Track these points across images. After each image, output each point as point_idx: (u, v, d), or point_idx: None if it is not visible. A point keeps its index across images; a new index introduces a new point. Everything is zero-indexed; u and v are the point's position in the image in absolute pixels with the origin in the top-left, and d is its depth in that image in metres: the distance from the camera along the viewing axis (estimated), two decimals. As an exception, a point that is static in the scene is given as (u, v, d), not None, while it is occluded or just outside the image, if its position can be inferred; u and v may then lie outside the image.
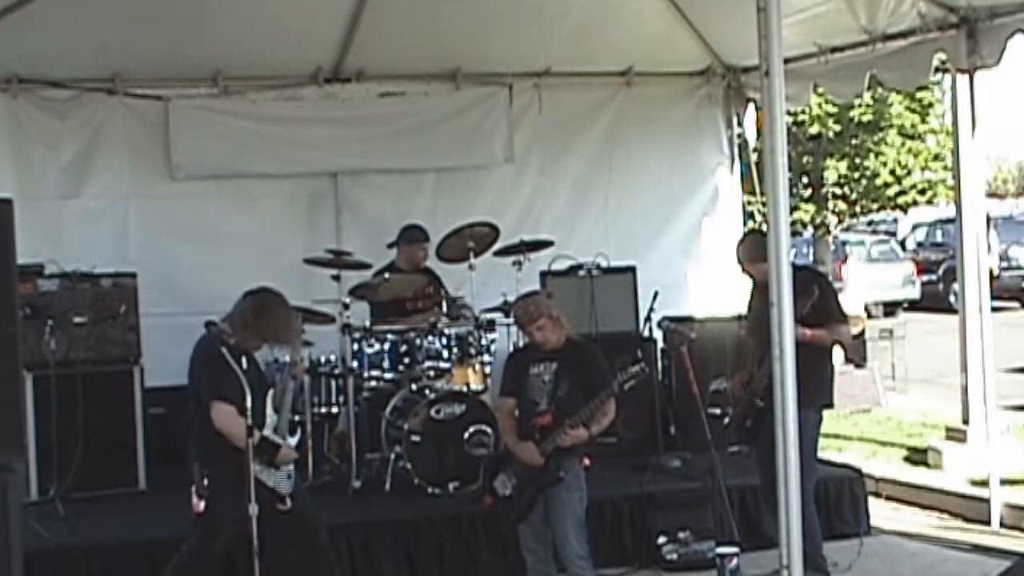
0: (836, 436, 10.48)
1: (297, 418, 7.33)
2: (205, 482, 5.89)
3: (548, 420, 6.16)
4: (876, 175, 23.36)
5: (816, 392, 6.66)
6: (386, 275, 8.56)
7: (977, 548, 7.75)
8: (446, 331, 8.21)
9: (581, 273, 9.07)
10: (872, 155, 23.29)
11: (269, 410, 6.02)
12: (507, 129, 10.09)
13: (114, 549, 6.87)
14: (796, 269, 7.12)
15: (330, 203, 9.88)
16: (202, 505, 5.92)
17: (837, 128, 22.81)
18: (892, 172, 23.37)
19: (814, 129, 22.49)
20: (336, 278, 8.61)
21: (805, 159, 23.28)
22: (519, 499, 6.26)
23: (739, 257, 6.99)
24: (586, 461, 6.29)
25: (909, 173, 23.70)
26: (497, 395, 6.72)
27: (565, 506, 6.17)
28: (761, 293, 6.32)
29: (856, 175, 23.70)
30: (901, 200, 24.47)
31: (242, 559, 6.10)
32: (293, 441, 6.14)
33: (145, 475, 8.18)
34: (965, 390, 8.86)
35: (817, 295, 6.46)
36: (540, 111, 10.15)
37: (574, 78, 10.16)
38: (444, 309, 8.44)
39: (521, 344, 7.47)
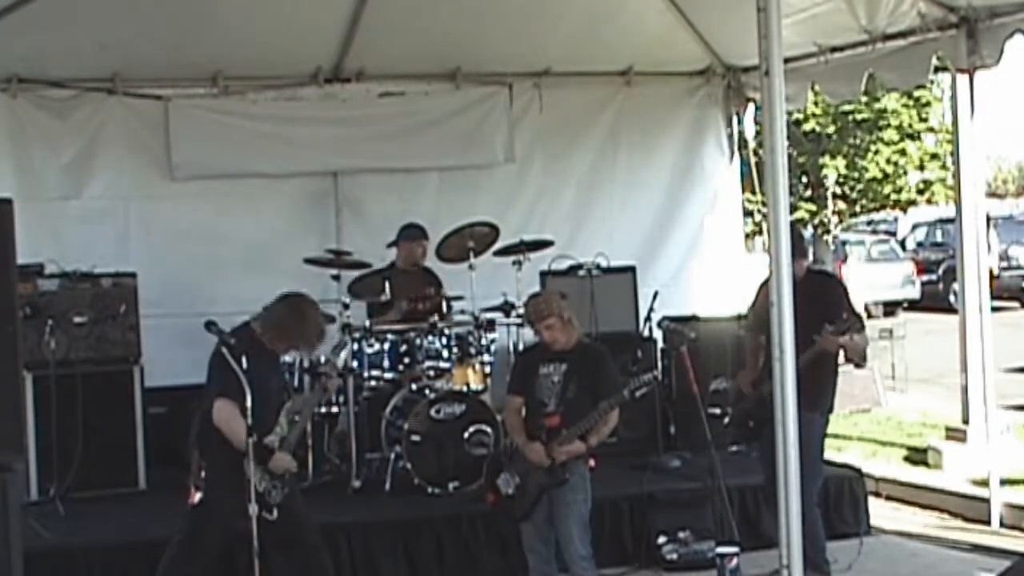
0: (836, 436, 10.46)
1: (297, 418, 7.32)
2: (203, 474, 5.90)
3: (556, 422, 6.16)
4: (867, 172, 23.43)
5: (823, 394, 6.68)
6: (385, 275, 8.57)
7: (977, 548, 7.75)
8: (446, 331, 8.22)
9: (581, 273, 9.08)
10: (868, 154, 23.36)
11: (282, 419, 6.02)
12: (507, 129, 10.09)
13: (114, 549, 6.86)
14: (816, 274, 7.13)
15: (330, 203, 9.87)
16: (198, 497, 5.92)
17: (833, 127, 22.89)
18: (883, 172, 23.43)
19: (809, 125, 22.55)
20: (336, 278, 8.62)
21: (803, 158, 23.35)
22: (522, 498, 6.27)
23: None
24: (591, 462, 6.30)
25: (904, 174, 23.76)
26: (498, 395, 6.72)
27: (570, 507, 6.17)
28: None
29: (855, 174, 23.77)
30: (896, 199, 24.51)
31: (242, 559, 6.11)
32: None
33: (145, 475, 8.18)
34: (965, 390, 8.86)
35: (851, 321, 6.49)
36: (540, 111, 10.14)
37: (574, 78, 10.16)
38: (445, 311, 8.44)
39: (526, 343, 7.48)
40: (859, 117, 22.77)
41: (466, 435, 7.74)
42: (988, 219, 13.78)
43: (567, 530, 6.17)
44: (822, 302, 6.47)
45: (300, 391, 7.77)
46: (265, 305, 6.21)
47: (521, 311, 8.12)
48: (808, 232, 25.34)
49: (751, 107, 10.53)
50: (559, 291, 6.62)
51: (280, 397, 6.09)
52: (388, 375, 8.22)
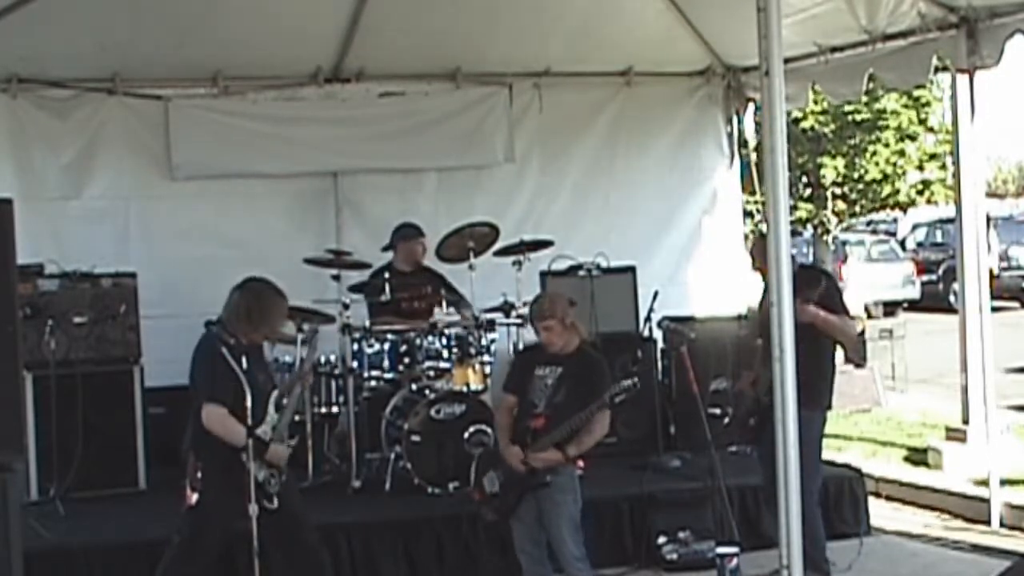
0: (836, 436, 10.47)
1: (297, 418, 7.33)
2: (198, 475, 5.90)
3: (540, 424, 6.16)
4: (866, 174, 23.40)
5: (820, 392, 6.66)
6: (386, 275, 8.58)
7: (977, 548, 7.75)
8: (446, 331, 8.22)
9: (581, 273, 9.07)
10: (867, 154, 23.32)
11: (271, 409, 6.01)
12: (507, 129, 10.09)
13: (114, 549, 6.87)
14: (802, 267, 7.14)
15: (330, 203, 9.88)
16: (195, 498, 5.93)
17: (832, 127, 22.84)
18: (883, 173, 23.40)
19: (806, 124, 22.53)
20: (336, 278, 8.62)
21: (802, 158, 23.32)
22: (504, 497, 6.28)
23: (753, 256, 6.96)
24: (580, 464, 6.28)
25: (903, 175, 23.72)
26: (497, 395, 6.72)
27: (559, 508, 6.16)
28: None
29: (855, 175, 23.73)
30: (895, 200, 24.48)
31: (242, 559, 6.11)
32: (291, 442, 6.12)
33: (145, 475, 8.18)
34: (965, 390, 8.86)
35: (824, 287, 6.46)
36: (540, 111, 10.15)
37: (574, 78, 10.16)
38: (444, 307, 8.44)
39: (526, 343, 7.47)
40: (859, 117, 22.72)
41: (466, 435, 7.73)
42: (988, 219, 13.78)
43: (558, 532, 6.16)
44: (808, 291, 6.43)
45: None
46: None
47: (521, 311, 8.14)
48: (808, 232, 25.33)
49: (751, 107, 10.54)
50: (569, 297, 6.56)
51: (267, 389, 6.08)
52: (388, 375, 8.21)
